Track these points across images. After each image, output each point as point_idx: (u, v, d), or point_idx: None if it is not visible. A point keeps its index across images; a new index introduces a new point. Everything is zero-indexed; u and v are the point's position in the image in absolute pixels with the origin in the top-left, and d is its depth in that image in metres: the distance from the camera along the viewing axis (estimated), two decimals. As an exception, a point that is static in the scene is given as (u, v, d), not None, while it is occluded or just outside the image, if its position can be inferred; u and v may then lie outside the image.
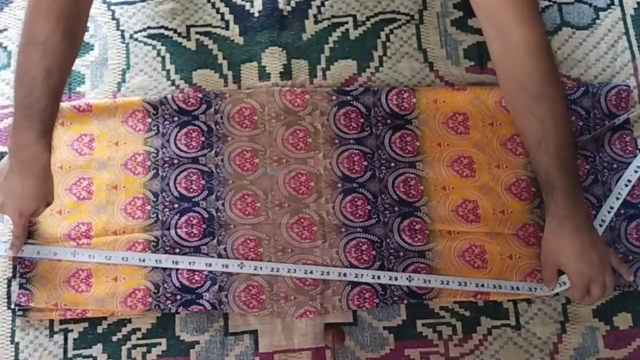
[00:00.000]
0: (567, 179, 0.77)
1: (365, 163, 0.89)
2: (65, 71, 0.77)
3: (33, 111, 0.74)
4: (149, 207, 0.87)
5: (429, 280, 0.84)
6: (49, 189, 0.80)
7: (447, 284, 0.84)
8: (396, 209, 0.87)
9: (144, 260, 0.84)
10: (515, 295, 0.85)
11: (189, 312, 0.84)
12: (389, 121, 0.91)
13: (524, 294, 0.84)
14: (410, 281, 0.84)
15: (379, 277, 0.84)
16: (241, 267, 0.84)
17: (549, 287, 0.82)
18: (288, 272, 0.84)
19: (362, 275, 0.84)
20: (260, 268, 0.84)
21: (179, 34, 0.96)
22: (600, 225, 0.86)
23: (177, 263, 0.84)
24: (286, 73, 0.94)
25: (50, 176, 0.79)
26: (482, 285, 0.84)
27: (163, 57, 0.95)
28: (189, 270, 0.84)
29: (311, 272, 0.84)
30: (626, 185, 0.87)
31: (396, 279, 0.84)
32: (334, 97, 0.91)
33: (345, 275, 0.84)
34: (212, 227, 0.86)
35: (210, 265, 0.84)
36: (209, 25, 0.96)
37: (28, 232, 0.85)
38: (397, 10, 0.97)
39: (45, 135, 0.76)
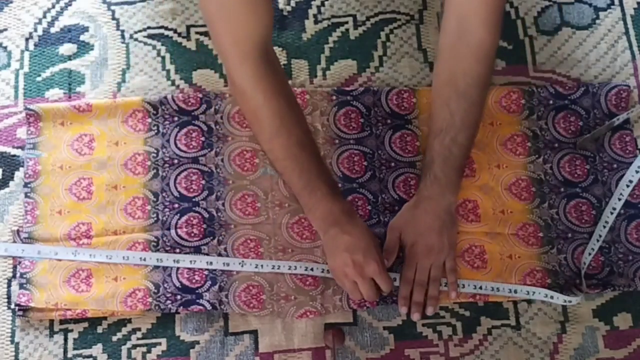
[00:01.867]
0: (444, 170, 0.80)
1: (365, 163, 0.89)
2: (309, 133, 0.79)
3: (313, 183, 0.77)
4: (149, 207, 0.87)
5: None
6: (368, 229, 0.81)
7: (446, 285, 0.84)
8: (396, 208, 0.87)
9: (144, 260, 0.84)
10: (513, 298, 0.85)
11: (189, 312, 0.84)
12: (389, 121, 0.91)
13: (521, 297, 0.85)
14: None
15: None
16: (242, 266, 0.84)
17: (389, 254, 0.83)
18: (289, 269, 0.84)
19: None
20: (262, 266, 0.84)
21: (179, 34, 0.96)
22: (604, 227, 0.86)
23: (178, 262, 0.84)
24: (286, 73, 0.94)
25: (360, 219, 0.81)
26: (481, 288, 0.84)
27: (163, 57, 0.95)
28: (189, 270, 0.84)
29: (312, 270, 0.84)
30: (627, 186, 0.87)
31: (395, 279, 0.84)
32: (334, 97, 0.91)
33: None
34: (213, 227, 0.86)
35: (211, 263, 0.84)
36: (209, 25, 0.96)
37: (28, 232, 0.86)
38: (397, 10, 0.97)
39: (335, 191, 0.79)
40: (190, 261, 0.84)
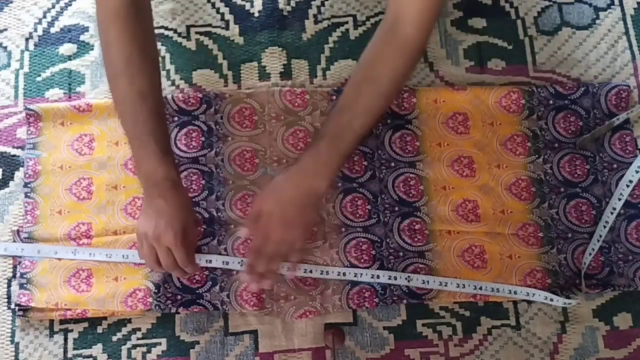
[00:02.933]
0: (329, 151, 0.78)
1: (365, 163, 0.89)
2: (156, 89, 0.77)
3: (144, 137, 0.75)
4: (149, 207, 0.87)
5: (428, 281, 0.84)
6: (187, 203, 0.79)
7: (446, 285, 0.84)
8: (396, 208, 0.87)
9: None
10: (513, 298, 0.85)
11: (189, 312, 0.84)
12: (389, 121, 0.91)
13: (521, 299, 0.85)
14: (409, 281, 0.84)
15: (378, 277, 0.84)
16: (241, 265, 0.84)
17: (249, 219, 0.81)
18: (288, 270, 0.84)
19: (362, 274, 0.84)
20: None
21: (179, 34, 0.96)
22: (604, 227, 0.86)
23: None
24: (286, 73, 0.94)
25: (185, 191, 0.79)
26: (480, 288, 0.84)
27: (163, 57, 0.95)
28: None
29: (310, 272, 0.84)
30: (627, 186, 0.87)
31: (395, 278, 0.84)
32: (334, 97, 0.91)
33: (344, 274, 0.84)
34: (213, 227, 0.86)
35: (210, 262, 0.84)
36: (209, 25, 0.96)
37: (28, 232, 0.86)
38: (397, 10, 0.97)
39: (166, 155, 0.76)
40: None
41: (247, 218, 0.83)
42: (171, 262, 0.77)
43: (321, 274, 0.84)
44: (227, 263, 0.84)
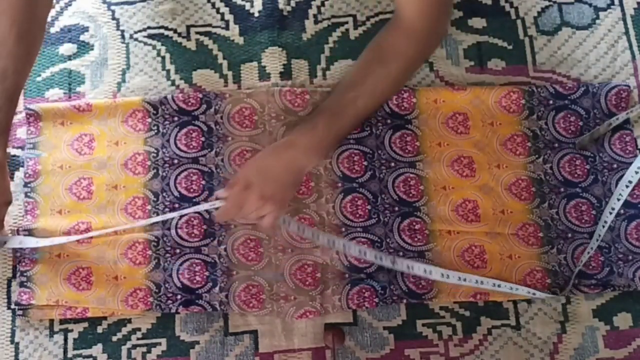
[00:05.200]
0: (325, 127, 0.79)
1: (365, 163, 0.89)
2: (20, 75, 0.77)
3: None
4: (149, 207, 0.87)
5: (431, 271, 0.82)
6: (2, 183, 0.78)
7: (448, 277, 0.83)
8: (396, 208, 0.87)
9: (155, 214, 0.85)
10: (514, 295, 0.85)
11: (189, 312, 0.84)
12: (389, 121, 0.91)
13: (521, 295, 0.84)
14: (410, 269, 0.82)
15: (381, 259, 0.83)
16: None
17: (229, 186, 0.80)
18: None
19: (366, 252, 0.83)
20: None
21: (179, 34, 0.96)
22: (603, 227, 0.86)
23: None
24: (286, 73, 0.94)
25: (5, 174, 0.78)
26: (482, 283, 0.83)
27: (163, 57, 0.95)
28: (190, 270, 0.84)
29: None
30: (627, 187, 0.87)
31: (395, 263, 0.82)
32: (334, 97, 0.91)
33: (381, 259, 0.83)
34: (213, 228, 0.86)
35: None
36: (209, 25, 0.96)
37: (28, 230, 0.85)
38: (397, 10, 0.97)
39: None
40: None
41: (228, 184, 0.80)
42: None
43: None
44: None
